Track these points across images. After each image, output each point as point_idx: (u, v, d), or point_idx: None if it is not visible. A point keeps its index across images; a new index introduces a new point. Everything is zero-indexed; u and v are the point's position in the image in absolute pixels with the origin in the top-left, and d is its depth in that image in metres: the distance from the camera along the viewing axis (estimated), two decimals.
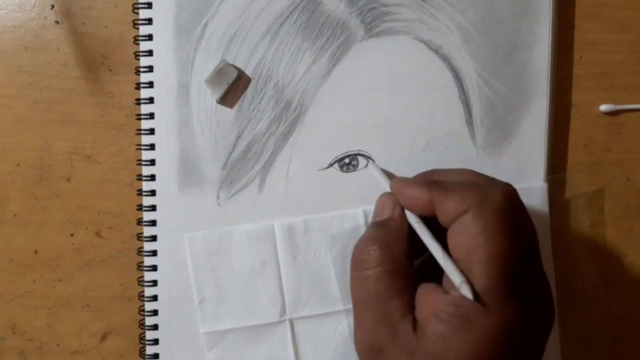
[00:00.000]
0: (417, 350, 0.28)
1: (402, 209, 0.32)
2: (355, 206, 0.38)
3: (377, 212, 0.34)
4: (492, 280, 0.27)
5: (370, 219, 0.37)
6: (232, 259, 0.38)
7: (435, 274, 0.30)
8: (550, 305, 0.30)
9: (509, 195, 0.29)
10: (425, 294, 0.29)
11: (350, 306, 0.32)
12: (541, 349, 0.29)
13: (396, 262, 0.30)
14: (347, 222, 0.38)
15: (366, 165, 0.38)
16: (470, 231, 0.27)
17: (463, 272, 0.27)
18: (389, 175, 0.37)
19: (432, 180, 0.32)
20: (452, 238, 0.29)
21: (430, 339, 0.27)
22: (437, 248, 0.29)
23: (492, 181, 0.31)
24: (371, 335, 0.29)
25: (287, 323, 0.38)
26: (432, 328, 0.27)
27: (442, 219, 0.29)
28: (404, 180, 0.33)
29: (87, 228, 0.40)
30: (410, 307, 0.29)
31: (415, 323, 0.28)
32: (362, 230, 0.38)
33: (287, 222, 0.38)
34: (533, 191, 0.38)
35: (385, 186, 0.35)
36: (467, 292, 0.26)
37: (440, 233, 0.30)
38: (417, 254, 0.32)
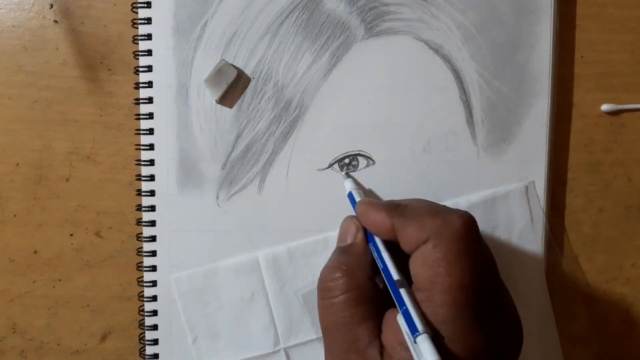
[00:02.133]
0: None
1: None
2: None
3: (340, 236, 0.34)
4: (456, 310, 0.26)
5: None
6: (221, 294, 0.38)
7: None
8: (517, 326, 0.30)
9: (468, 222, 0.28)
10: (392, 320, 0.29)
11: None
12: None
13: (360, 288, 0.30)
14: (330, 246, 0.38)
15: (366, 166, 0.38)
16: (431, 261, 0.27)
17: (421, 303, 0.27)
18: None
19: (394, 205, 0.31)
20: (413, 267, 0.28)
21: None
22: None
23: (450, 209, 0.31)
24: None
25: (282, 352, 0.39)
26: (398, 356, 0.27)
27: (404, 247, 0.29)
28: (369, 203, 0.33)
29: (86, 228, 0.40)
30: (377, 332, 0.29)
31: (382, 348, 0.28)
32: None
33: (271, 252, 0.38)
34: (513, 193, 0.38)
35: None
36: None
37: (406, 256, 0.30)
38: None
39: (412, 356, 0.26)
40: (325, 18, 0.38)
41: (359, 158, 0.38)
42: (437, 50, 0.38)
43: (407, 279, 0.30)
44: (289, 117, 0.38)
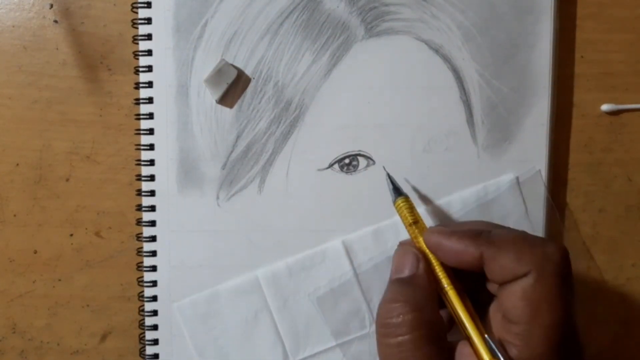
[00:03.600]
0: None
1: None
2: (355, 209, 0.38)
3: (396, 267, 0.31)
4: (554, 346, 0.26)
5: (350, 249, 0.38)
6: (225, 317, 0.38)
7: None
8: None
9: (566, 256, 0.28)
10: (466, 355, 0.28)
11: (346, 339, 0.35)
12: None
13: (430, 326, 0.28)
14: (328, 257, 0.38)
15: (366, 166, 0.38)
16: (532, 296, 0.26)
17: (515, 337, 0.26)
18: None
19: (477, 232, 0.29)
20: (509, 299, 0.27)
21: None
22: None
23: (539, 238, 0.29)
24: None
25: None
26: None
27: (494, 276, 0.28)
28: (443, 232, 0.30)
29: (86, 228, 0.40)
30: None
31: None
32: (349, 276, 0.38)
33: (270, 270, 0.38)
34: (504, 185, 0.38)
35: (405, 230, 0.33)
36: None
37: (464, 278, 0.29)
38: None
39: None
40: (325, 18, 0.38)
41: (359, 158, 0.38)
42: (437, 50, 0.38)
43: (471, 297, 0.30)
44: (289, 117, 0.38)
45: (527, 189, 0.38)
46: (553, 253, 0.27)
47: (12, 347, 0.40)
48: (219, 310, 0.38)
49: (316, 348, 0.38)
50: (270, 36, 0.38)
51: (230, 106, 0.38)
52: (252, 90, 0.38)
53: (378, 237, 0.38)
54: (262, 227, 0.39)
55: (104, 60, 0.39)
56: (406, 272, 0.31)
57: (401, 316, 0.28)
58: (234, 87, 0.38)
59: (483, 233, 0.29)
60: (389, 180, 0.36)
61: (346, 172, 0.38)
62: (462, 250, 0.29)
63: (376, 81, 0.38)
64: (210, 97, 0.38)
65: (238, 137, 0.38)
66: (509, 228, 0.31)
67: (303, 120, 0.38)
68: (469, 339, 0.28)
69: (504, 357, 0.26)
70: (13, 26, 0.39)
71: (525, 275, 0.27)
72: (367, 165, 0.38)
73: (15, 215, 0.40)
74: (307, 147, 0.38)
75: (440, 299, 0.31)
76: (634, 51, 0.39)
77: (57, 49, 0.39)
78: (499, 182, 0.38)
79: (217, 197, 0.38)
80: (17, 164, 0.39)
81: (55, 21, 0.39)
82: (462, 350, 0.28)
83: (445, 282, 0.30)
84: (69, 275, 0.40)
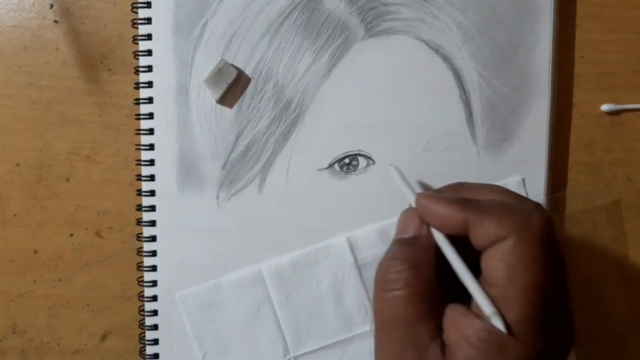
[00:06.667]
0: None
1: (429, 226, 0.31)
2: (354, 209, 0.38)
3: (400, 229, 0.32)
4: (528, 309, 0.26)
5: (355, 245, 0.38)
6: (227, 309, 0.39)
7: (459, 293, 0.29)
8: (572, 330, 0.29)
9: (549, 222, 0.28)
10: (455, 317, 0.28)
11: (347, 336, 0.35)
12: None
13: (426, 284, 0.29)
14: (333, 253, 0.38)
15: (366, 166, 0.38)
16: (509, 258, 0.27)
17: (493, 300, 0.27)
18: (409, 184, 0.35)
19: (465, 199, 0.30)
20: (489, 263, 0.28)
21: None
22: (467, 274, 0.28)
23: (528, 203, 0.30)
24: (398, 359, 0.29)
25: None
26: (463, 353, 0.27)
27: (477, 242, 0.28)
28: (432, 196, 0.31)
29: (86, 228, 0.40)
30: (438, 330, 0.28)
31: (443, 347, 0.28)
32: (353, 272, 0.38)
33: (274, 264, 0.38)
34: (509, 185, 0.38)
35: (409, 198, 0.33)
36: (499, 324, 0.26)
37: (464, 250, 0.29)
38: (440, 271, 0.31)
39: (477, 354, 0.26)
40: (325, 18, 0.38)
41: (359, 158, 0.38)
42: (437, 50, 0.38)
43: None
44: (289, 117, 0.38)
45: (529, 191, 0.38)
46: (534, 219, 0.28)
47: (12, 347, 0.40)
48: (221, 301, 0.38)
49: (317, 344, 0.38)
50: (270, 36, 0.38)
51: (230, 106, 0.38)
52: (252, 90, 0.38)
53: (383, 234, 0.38)
54: (262, 227, 0.39)
55: (104, 60, 0.39)
56: (409, 233, 0.31)
57: (399, 272, 0.29)
58: (233, 87, 0.38)
59: (471, 201, 0.30)
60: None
61: (346, 172, 0.38)
62: (448, 215, 0.29)
63: (376, 81, 0.38)
64: (210, 97, 0.38)
65: (238, 137, 0.38)
66: (500, 196, 0.31)
67: (303, 120, 0.38)
68: (467, 290, 0.29)
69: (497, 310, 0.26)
70: (13, 26, 0.39)
71: (504, 239, 0.27)
72: (367, 165, 0.38)
73: (15, 215, 0.40)
74: (307, 147, 0.38)
75: (442, 263, 0.31)
76: (634, 51, 0.39)
77: (57, 49, 0.39)
78: (504, 184, 0.38)
79: (217, 197, 0.38)
80: (17, 164, 0.39)
81: (56, 21, 0.39)
82: (450, 313, 0.29)
83: (443, 242, 0.30)
84: (69, 275, 0.40)
